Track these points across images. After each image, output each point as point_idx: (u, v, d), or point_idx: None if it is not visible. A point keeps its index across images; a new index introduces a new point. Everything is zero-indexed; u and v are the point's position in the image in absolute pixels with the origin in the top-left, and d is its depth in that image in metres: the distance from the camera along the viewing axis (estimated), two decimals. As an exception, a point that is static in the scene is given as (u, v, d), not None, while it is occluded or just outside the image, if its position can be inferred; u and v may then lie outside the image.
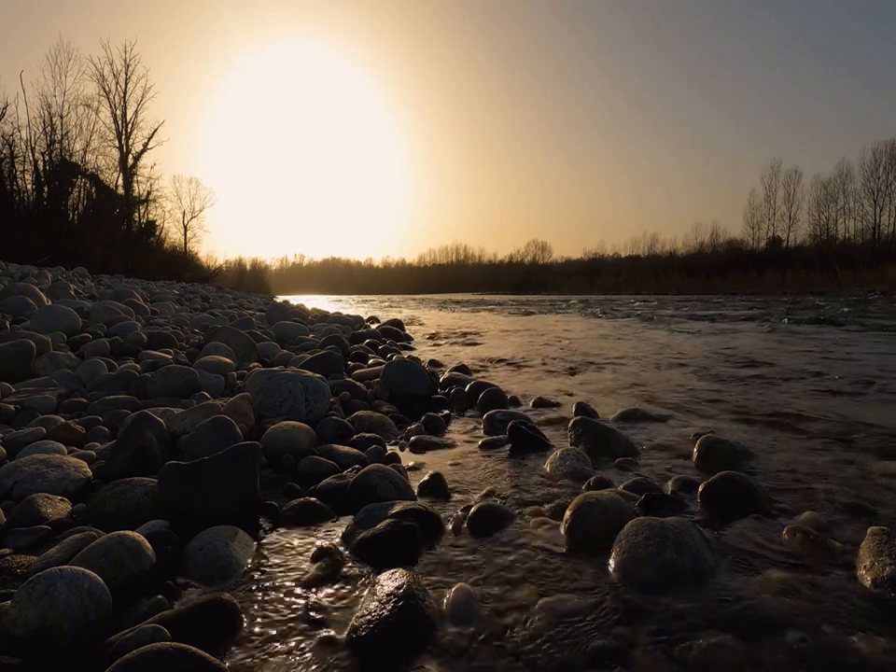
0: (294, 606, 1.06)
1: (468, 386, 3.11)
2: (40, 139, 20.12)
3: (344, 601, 1.07)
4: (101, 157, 24.64)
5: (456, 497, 1.64)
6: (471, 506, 1.48)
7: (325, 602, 1.06)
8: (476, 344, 6.58)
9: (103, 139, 25.93)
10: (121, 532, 1.14)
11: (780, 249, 51.06)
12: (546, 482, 1.76)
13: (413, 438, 2.24)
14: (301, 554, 1.26)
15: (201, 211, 35.73)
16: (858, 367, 4.26)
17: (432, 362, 4.51)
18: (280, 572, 1.18)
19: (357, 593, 1.09)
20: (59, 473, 1.54)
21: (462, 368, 4.18)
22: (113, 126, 27.94)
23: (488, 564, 1.23)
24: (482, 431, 2.41)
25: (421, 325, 10.36)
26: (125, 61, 28.84)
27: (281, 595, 1.09)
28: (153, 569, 1.12)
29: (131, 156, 28.54)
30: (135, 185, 28.49)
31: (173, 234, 33.07)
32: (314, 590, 1.11)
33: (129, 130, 28.65)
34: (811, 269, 41.47)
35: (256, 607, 1.05)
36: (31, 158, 19.45)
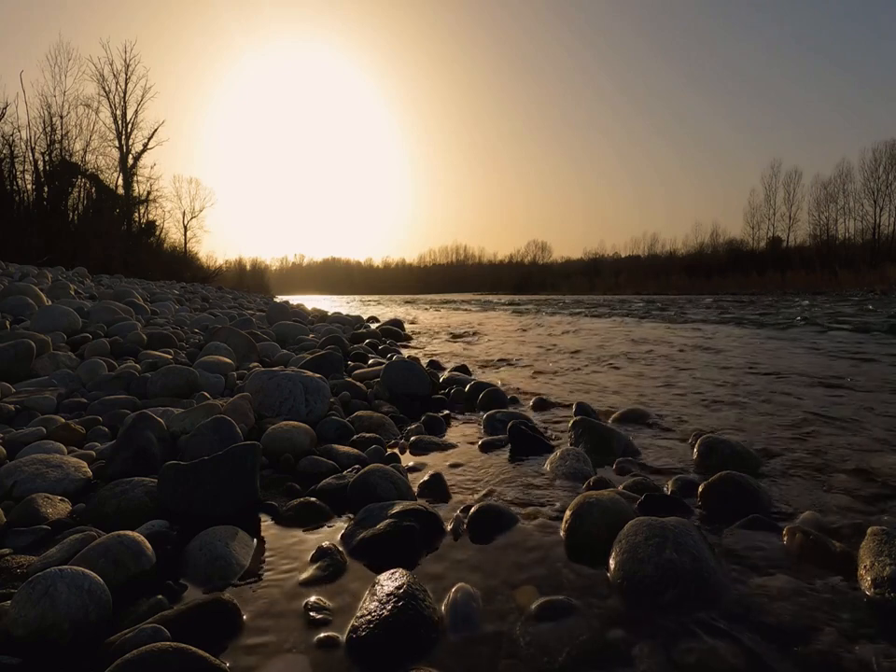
0: (294, 606, 1.05)
1: (468, 386, 3.11)
2: (40, 139, 20.16)
3: (344, 601, 1.07)
4: (101, 157, 24.70)
5: (456, 497, 1.64)
6: (471, 506, 1.48)
7: (325, 602, 1.06)
8: (476, 344, 6.58)
9: (103, 139, 25.99)
10: (121, 532, 1.14)
11: (780, 249, 51.08)
12: (546, 482, 1.76)
13: (413, 438, 2.24)
14: (300, 554, 1.26)
15: (201, 211, 35.83)
16: (857, 367, 4.26)
17: (432, 362, 4.51)
18: (280, 572, 1.18)
19: (357, 593, 1.09)
20: (59, 473, 1.54)
21: (462, 368, 4.18)
22: (113, 126, 28.01)
23: (488, 564, 1.23)
24: (482, 431, 2.41)
25: (421, 325, 10.35)
26: (125, 61, 28.93)
27: (281, 595, 1.09)
28: (153, 569, 1.12)
29: (131, 156, 28.59)
30: (135, 185, 28.55)
31: (173, 234, 33.18)
32: (313, 590, 1.11)
33: (129, 130, 28.71)
34: (811, 269, 41.48)
35: (256, 607, 1.05)
36: (31, 158, 19.50)
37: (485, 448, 2.15)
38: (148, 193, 28.99)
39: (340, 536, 1.34)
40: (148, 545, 1.15)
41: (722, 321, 10.32)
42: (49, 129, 20.56)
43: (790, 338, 6.78)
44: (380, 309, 19.01)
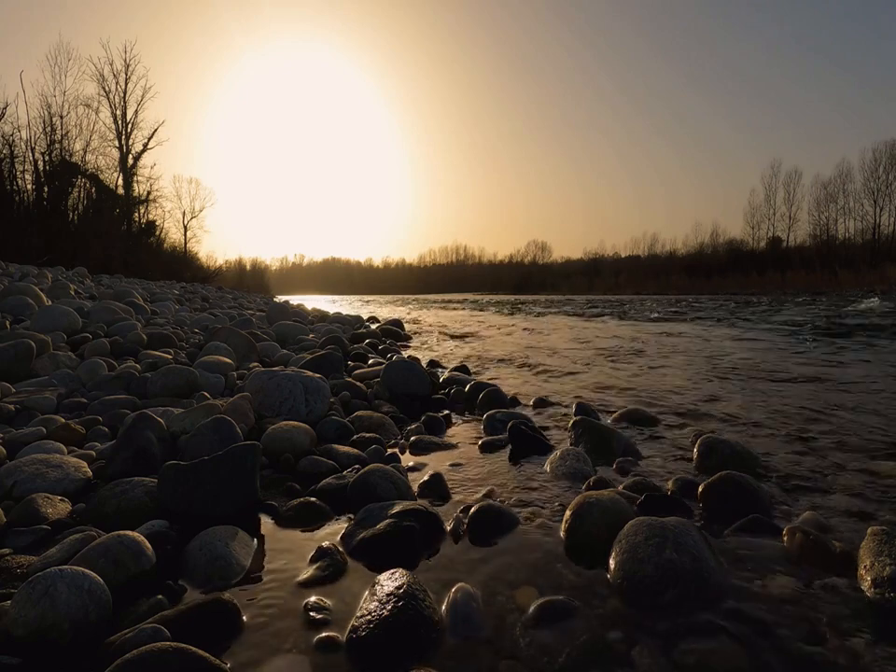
0: (294, 606, 1.05)
1: (468, 386, 3.11)
2: (40, 139, 20.18)
3: (344, 601, 1.07)
4: (101, 157, 24.73)
5: (456, 497, 1.64)
6: (471, 506, 1.48)
7: (325, 602, 1.06)
8: (476, 344, 6.57)
9: (103, 139, 26.02)
10: (121, 532, 1.14)
11: (780, 249, 51.11)
12: (546, 482, 1.76)
13: (413, 438, 2.24)
14: (300, 555, 1.26)
15: (201, 211, 35.86)
16: (853, 368, 4.26)
17: (432, 362, 4.51)
18: (280, 572, 1.18)
19: (357, 593, 1.09)
20: (59, 473, 1.54)
21: (462, 368, 4.18)
22: (113, 126, 28.04)
23: (488, 564, 1.23)
24: (482, 431, 2.41)
25: (421, 325, 10.35)
26: (125, 61, 28.96)
27: (281, 596, 1.09)
28: (153, 569, 1.12)
29: (131, 156, 28.61)
30: (135, 185, 28.58)
31: (173, 234, 33.22)
32: (314, 590, 1.11)
33: (129, 130, 28.73)
34: (811, 269, 41.49)
35: (256, 607, 1.05)
36: (31, 158, 19.52)
37: (485, 448, 2.15)
38: (148, 193, 29.03)
39: (340, 536, 1.34)
40: (148, 545, 1.15)
41: (698, 320, 10.33)
42: (49, 129, 20.59)
43: (766, 338, 6.78)
44: (380, 309, 19.01)
